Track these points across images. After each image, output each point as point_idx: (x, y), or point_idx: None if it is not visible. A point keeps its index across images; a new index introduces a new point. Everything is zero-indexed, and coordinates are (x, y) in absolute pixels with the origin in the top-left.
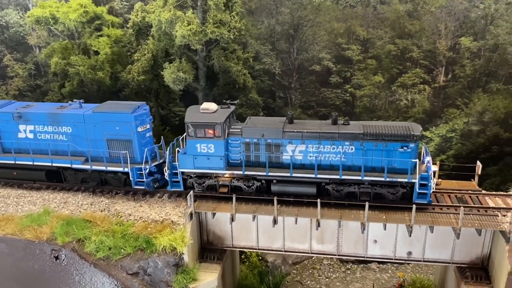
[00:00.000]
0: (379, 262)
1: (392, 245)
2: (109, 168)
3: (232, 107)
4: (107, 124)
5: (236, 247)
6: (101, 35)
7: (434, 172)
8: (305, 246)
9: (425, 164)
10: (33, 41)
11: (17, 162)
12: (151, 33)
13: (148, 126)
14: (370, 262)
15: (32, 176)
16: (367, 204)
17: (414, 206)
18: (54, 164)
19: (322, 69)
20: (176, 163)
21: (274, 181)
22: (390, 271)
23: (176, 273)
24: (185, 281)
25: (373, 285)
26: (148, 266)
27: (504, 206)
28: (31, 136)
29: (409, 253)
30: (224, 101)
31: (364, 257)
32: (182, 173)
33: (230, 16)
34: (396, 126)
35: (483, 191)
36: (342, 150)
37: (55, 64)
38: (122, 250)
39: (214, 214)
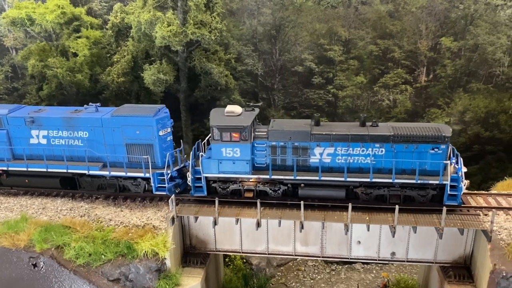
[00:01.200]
0: (363, 263)
1: (376, 246)
2: (129, 174)
3: (257, 110)
4: (126, 128)
5: (219, 251)
6: (79, 37)
7: (464, 173)
8: (289, 248)
9: (452, 165)
10: (9, 43)
11: (29, 169)
12: (131, 34)
13: (169, 130)
14: (355, 262)
15: (45, 183)
16: (350, 205)
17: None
18: (69, 171)
19: (305, 70)
20: (200, 167)
21: (302, 185)
22: (374, 271)
23: (158, 278)
24: (167, 286)
25: (357, 286)
26: (129, 272)
27: (486, 205)
28: (44, 141)
29: (393, 253)
30: (247, 103)
31: (348, 258)
32: (206, 178)
33: (211, 17)
34: (425, 127)
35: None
36: (372, 152)
37: (32, 66)
38: (103, 256)
39: (196, 218)
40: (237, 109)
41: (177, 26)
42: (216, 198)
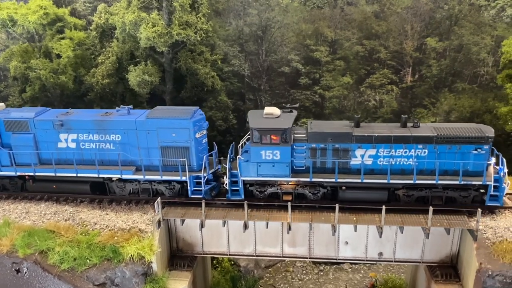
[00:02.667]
0: (351, 263)
1: (363, 246)
2: (165, 178)
3: (295, 112)
4: (162, 131)
5: (206, 254)
6: (63, 38)
7: (505, 173)
8: (276, 250)
9: (491, 165)
10: None
11: (57, 174)
12: (115, 35)
13: (204, 132)
14: (343, 263)
15: (74, 189)
16: (337, 206)
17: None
18: (101, 175)
19: (291, 70)
20: (236, 171)
21: (343, 187)
22: (362, 271)
23: (144, 282)
24: None
25: (345, 286)
26: (115, 276)
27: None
28: (73, 145)
29: (380, 253)
30: (284, 105)
31: (336, 259)
32: (243, 181)
33: (197, 18)
34: (467, 128)
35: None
36: (414, 153)
37: (14, 68)
38: (88, 261)
39: (183, 221)
40: (275, 111)
41: (162, 27)
42: (203, 201)
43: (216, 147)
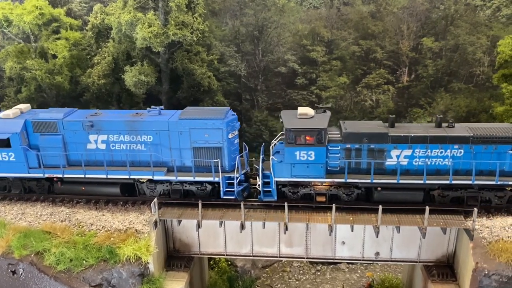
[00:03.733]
0: (348, 263)
1: (360, 246)
2: (198, 179)
3: (329, 112)
4: (195, 132)
5: (203, 254)
6: (58, 38)
7: None
8: (273, 250)
9: None
10: None
11: (87, 176)
12: (111, 36)
13: (236, 133)
14: (340, 263)
15: (104, 191)
16: (333, 206)
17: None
18: (132, 177)
19: (288, 70)
20: (269, 171)
21: (379, 188)
22: (359, 271)
23: (141, 283)
24: None
25: (342, 286)
26: (112, 277)
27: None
28: (102, 146)
29: (377, 253)
30: (316, 105)
31: (332, 259)
32: (276, 182)
33: (193, 18)
34: (502, 128)
35: None
36: (450, 154)
37: (10, 68)
38: (84, 262)
39: (180, 221)
40: (309, 111)
41: (158, 27)
42: (200, 201)
43: (247, 148)
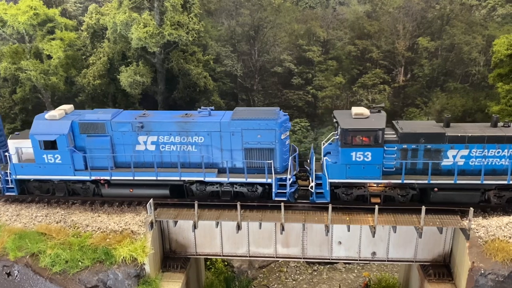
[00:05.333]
0: (345, 263)
1: (356, 246)
2: (250, 180)
3: (383, 112)
4: (247, 132)
5: (200, 255)
6: (53, 38)
7: None
8: (270, 250)
9: None
10: None
11: (136, 178)
12: (107, 36)
13: (288, 133)
14: (336, 263)
15: (153, 193)
16: (330, 206)
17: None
18: (182, 178)
19: (284, 70)
20: (322, 173)
21: (435, 189)
22: (356, 271)
23: (137, 284)
24: None
25: (339, 286)
26: (108, 278)
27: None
28: (152, 148)
29: (374, 253)
30: (369, 105)
31: (329, 259)
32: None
33: (188, 18)
34: None
35: None
36: (507, 153)
37: (4, 69)
38: (80, 263)
39: (176, 222)
40: (365, 111)
41: (154, 27)
42: (196, 202)
43: (297, 149)
